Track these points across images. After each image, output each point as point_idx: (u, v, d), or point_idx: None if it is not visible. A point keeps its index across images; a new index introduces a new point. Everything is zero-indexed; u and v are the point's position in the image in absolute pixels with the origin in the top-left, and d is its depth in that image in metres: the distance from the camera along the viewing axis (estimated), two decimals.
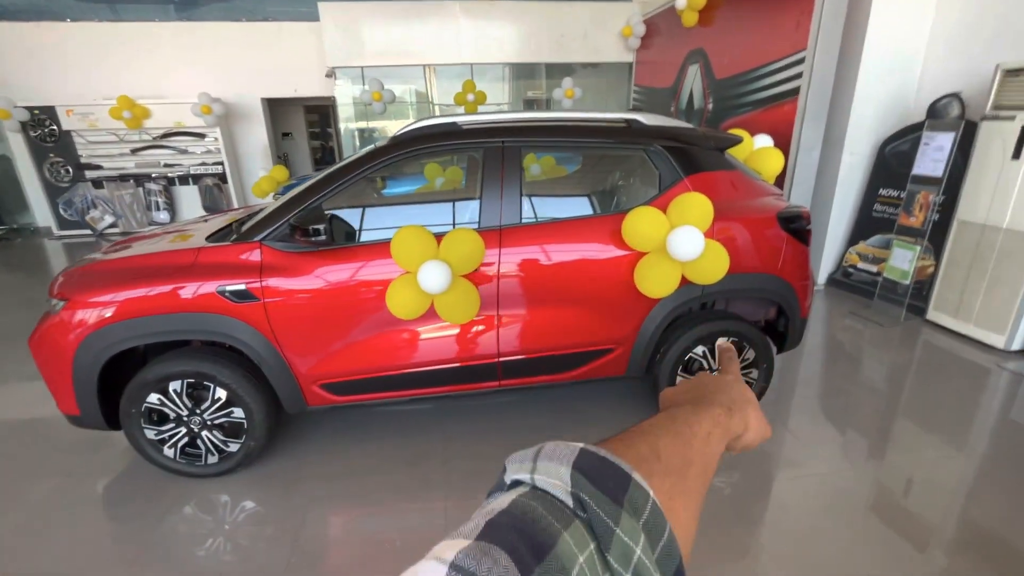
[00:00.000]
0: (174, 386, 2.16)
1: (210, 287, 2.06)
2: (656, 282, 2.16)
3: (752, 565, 1.85)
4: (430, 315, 2.16)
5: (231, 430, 2.28)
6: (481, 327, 2.29)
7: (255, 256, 2.11)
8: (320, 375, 2.26)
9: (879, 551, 1.86)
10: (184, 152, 7.88)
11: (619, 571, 0.26)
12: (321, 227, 2.01)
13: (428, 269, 1.97)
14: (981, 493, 2.14)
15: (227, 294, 2.07)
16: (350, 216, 2.38)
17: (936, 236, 3.83)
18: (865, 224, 4.52)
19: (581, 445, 0.30)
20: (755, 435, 0.47)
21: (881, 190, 4.39)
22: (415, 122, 2.33)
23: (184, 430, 2.23)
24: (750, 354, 2.53)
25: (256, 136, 8.39)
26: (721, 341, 0.68)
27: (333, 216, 2.27)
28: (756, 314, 2.72)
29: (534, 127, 2.35)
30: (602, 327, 2.37)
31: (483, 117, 2.42)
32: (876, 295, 4.14)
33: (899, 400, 2.95)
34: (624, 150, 2.42)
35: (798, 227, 2.39)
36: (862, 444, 2.52)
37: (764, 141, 3.07)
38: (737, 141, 2.51)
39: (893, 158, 4.29)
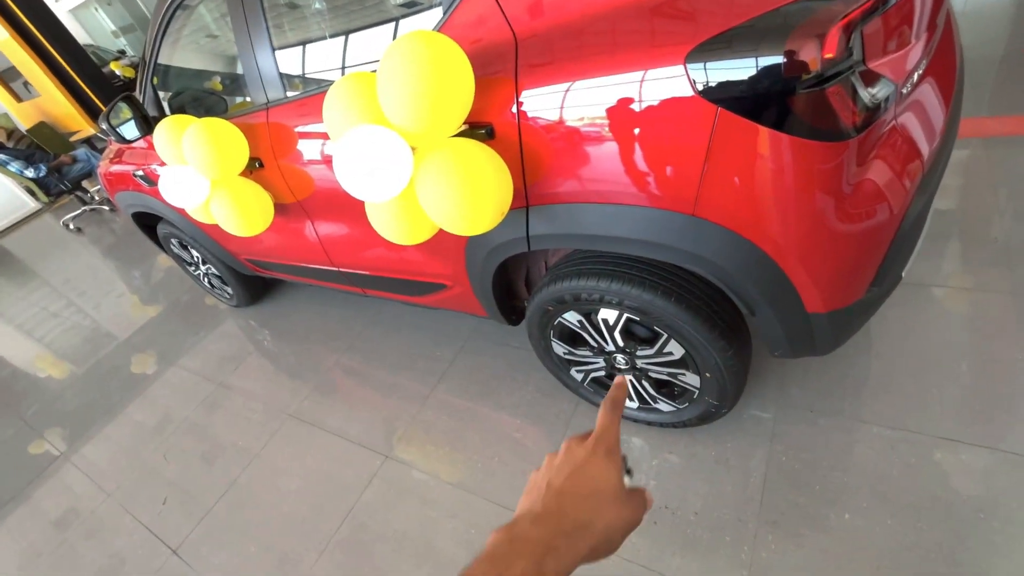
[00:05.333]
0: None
1: None
2: (391, 220, 1.20)
3: None
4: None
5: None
6: (299, 230, 1.88)
7: None
8: (239, 251, 2.41)
9: None
10: None
11: None
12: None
13: (168, 179, 1.66)
14: None
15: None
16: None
17: None
18: None
19: None
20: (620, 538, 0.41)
21: None
22: None
23: None
24: (674, 348, 1.27)
25: None
26: (619, 379, 0.50)
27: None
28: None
29: None
30: (410, 253, 1.58)
31: None
32: None
33: None
34: None
35: (776, 87, 0.78)
36: None
37: None
38: None
39: None
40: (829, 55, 0.75)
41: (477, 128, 1.08)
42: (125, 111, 1.90)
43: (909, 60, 0.90)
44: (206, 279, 2.91)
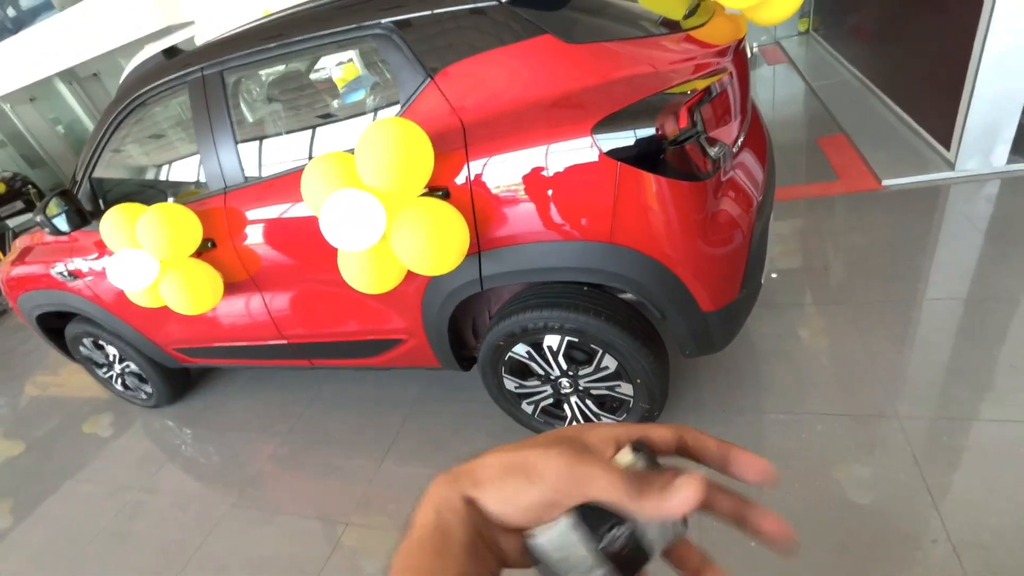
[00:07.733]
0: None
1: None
2: (364, 269, 1.39)
3: None
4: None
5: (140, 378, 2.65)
6: (249, 307, 1.95)
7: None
8: (167, 342, 2.34)
9: None
10: None
11: None
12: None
13: (119, 262, 1.70)
14: None
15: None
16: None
17: None
18: None
19: None
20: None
21: None
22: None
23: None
24: (608, 361, 1.53)
25: None
26: None
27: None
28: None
29: (252, 34, 1.61)
30: (369, 312, 1.74)
31: (220, 34, 1.78)
32: None
33: None
34: (353, 41, 1.47)
35: (655, 146, 1.15)
36: None
37: None
38: None
39: None
40: (683, 125, 1.14)
41: (435, 191, 1.34)
42: (53, 206, 1.92)
43: (732, 131, 1.33)
44: (119, 380, 2.71)
